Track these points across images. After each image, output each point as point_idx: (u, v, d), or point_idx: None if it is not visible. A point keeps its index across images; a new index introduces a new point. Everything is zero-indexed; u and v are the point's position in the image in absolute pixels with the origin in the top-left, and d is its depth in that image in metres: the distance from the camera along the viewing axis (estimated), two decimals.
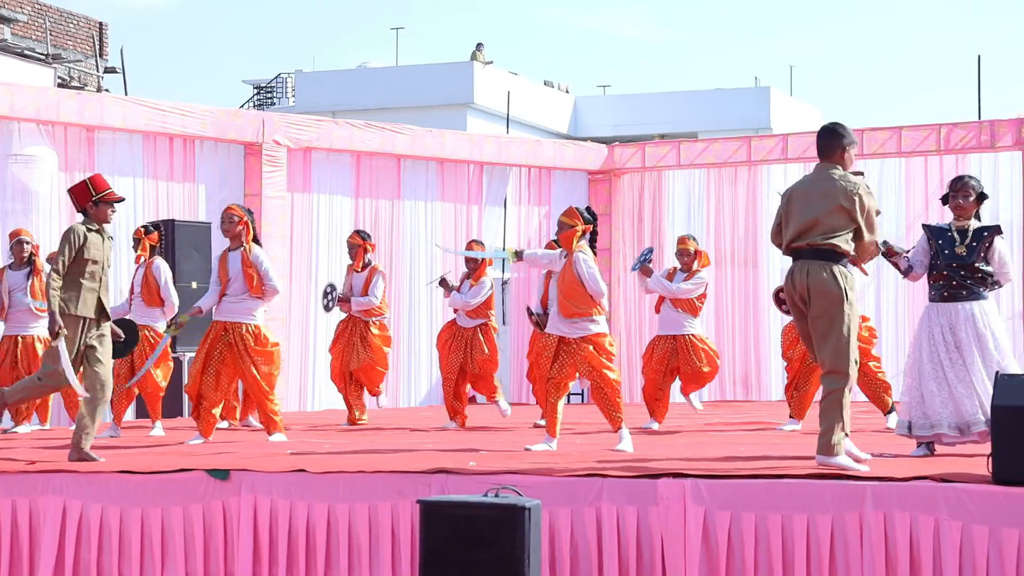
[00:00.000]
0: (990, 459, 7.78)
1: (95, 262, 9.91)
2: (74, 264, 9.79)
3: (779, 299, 11.05)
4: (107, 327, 10.11)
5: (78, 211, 10.16)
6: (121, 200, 10.39)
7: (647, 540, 8.04)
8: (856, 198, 8.69)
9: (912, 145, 17.36)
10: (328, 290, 11.32)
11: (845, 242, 8.71)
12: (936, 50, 78.79)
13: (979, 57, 25.03)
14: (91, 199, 10.00)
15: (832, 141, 8.92)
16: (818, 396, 9.50)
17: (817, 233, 8.71)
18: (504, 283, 19.25)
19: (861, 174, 9.14)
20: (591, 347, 10.67)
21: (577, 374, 10.91)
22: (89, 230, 9.90)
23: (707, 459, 9.25)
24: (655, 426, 13.01)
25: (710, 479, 8.07)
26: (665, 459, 9.23)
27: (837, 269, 8.67)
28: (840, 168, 8.85)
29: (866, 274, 10.58)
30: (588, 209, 11.24)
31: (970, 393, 9.42)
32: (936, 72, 77.00)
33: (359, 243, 13.41)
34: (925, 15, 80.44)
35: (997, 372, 8.75)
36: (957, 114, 26.91)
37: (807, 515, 7.79)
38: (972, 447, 9.42)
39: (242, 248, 11.78)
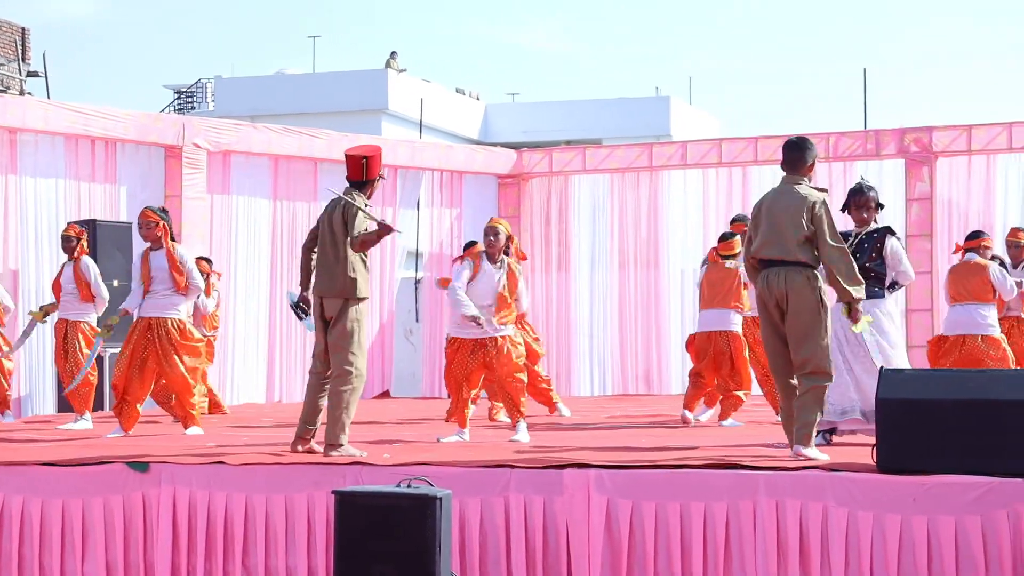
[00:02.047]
0: (875, 449, 7.94)
1: None
2: None
3: None
4: None
5: None
6: None
7: (553, 528, 8.11)
8: (815, 207, 8.80)
9: (816, 152, 17.53)
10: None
11: (813, 252, 8.81)
12: (825, 63, 79.68)
13: (864, 71, 25.40)
14: None
15: (800, 155, 9.03)
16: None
17: (785, 244, 8.78)
18: (417, 283, 19.28)
19: (825, 191, 9.20)
20: (502, 347, 10.78)
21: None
22: None
23: (610, 450, 9.33)
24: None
25: (613, 469, 8.14)
26: (570, 450, 9.30)
27: (811, 275, 8.78)
28: (806, 182, 8.97)
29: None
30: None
31: (875, 383, 9.57)
32: (825, 84, 77.87)
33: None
34: (815, 31, 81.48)
35: (881, 367, 8.88)
36: (844, 124, 27.41)
37: (704, 503, 7.88)
38: (863, 437, 9.58)
39: (164, 248, 11.72)
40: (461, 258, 11.62)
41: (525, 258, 11.13)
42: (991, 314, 12.23)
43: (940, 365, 12.25)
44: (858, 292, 8.94)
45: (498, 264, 10.98)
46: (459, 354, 10.90)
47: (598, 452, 9.11)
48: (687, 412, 12.68)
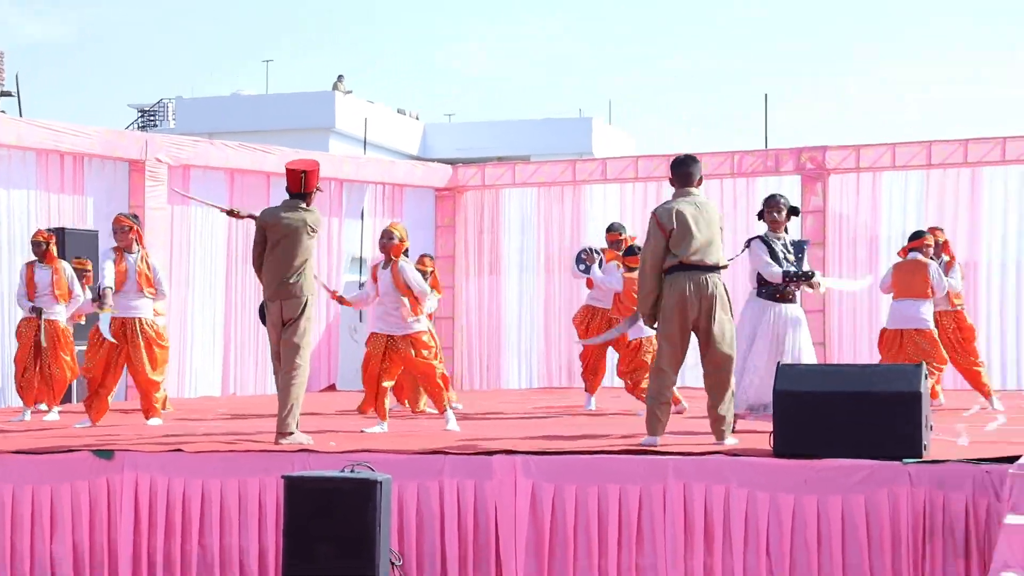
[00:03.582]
0: (771, 436, 8.02)
1: None
2: None
3: None
4: None
5: None
6: None
7: (483, 509, 8.14)
8: (720, 223, 8.91)
9: (709, 169, 17.54)
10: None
11: (719, 262, 8.88)
12: (731, 89, 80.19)
13: (766, 96, 25.61)
14: None
15: (694, 170, 8.99)
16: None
17: (712, 251, 8.80)
18: (361, 285, 19.20)
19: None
20: (413, 343, 10.72)
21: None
22: None
23: (535, 438, 9.33)
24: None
25: (537, 455, 8.18)
26: (499, 438, 9.32)
27: (718, 279, 8.84)
28: (699, 186, 9.00)
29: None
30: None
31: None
32: (730, 107, 78.50)
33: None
34: (722, 60, 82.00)
35: (779, 362, 8.96)
36: (747, 143, 27.52)
37: (619, 486, 7.93)
38: (761, 424, 9.57)
39: (136, 252, 11.62)
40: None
41: (427, 266, 11.09)
42: (927, 310, 12.29)
43: (883, 354, 12.42)
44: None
45: (386, 265, 10.82)
46: (376, 348, 10.81)
47: (524, 440, 9.12)
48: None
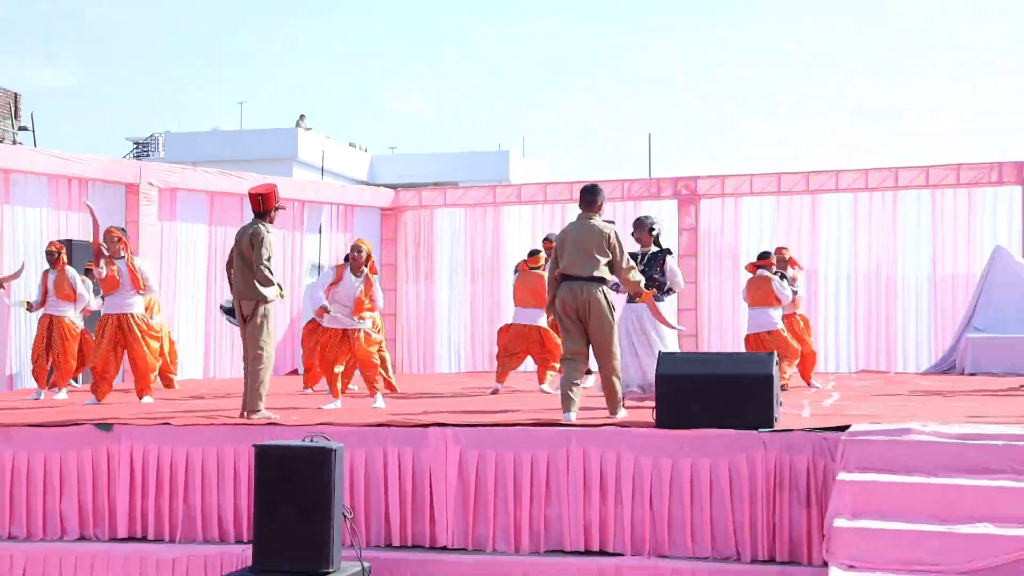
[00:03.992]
0: (654, 411, 8.07)
1: None
2: None
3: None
4: None
5: None
6: None
7: (420, 472, 8.12)
8: (610, 238, 8.85)
9: (604, 194, 17.76)
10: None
11: (606, 271, 8.84)
12: (622, 127, 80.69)
13: (649, 135, 26.05)
14: None
15: (594, 197, 9.00)
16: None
17: (588, 265, 8.77)
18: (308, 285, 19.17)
19: (612, 222, 9.26)
20: (361, 337, 10.77)
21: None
22: None
23: (463, 413, 9.33)
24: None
25: (465, 427, 8.18)
26: (433, 413, 9.29)
27: (604, 290, 8.81)
28: (598, 217, 8.97)
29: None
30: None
31: (652, 364, 9.67)
32: (621, 143, 78.92)
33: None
34: (614, 102, 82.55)
35: (660, 351, 9.04)
36: (635, 173, 27.71)
37: (531, 452, 7.95)
38: (646, 400, 9.68)
39: (125, 258, 11.55)
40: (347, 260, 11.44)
41: (376, 272, 11.06)
42: (776, 314, 12.32)
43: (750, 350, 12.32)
44: (641, 284, 9.16)
45: (359, 275, 10.81)
46: (331, 341, 10.80)
47: (454, 415, 9.11)
48: (498, 384, 12.75)
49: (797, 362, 12.53)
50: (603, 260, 8.80)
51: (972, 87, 75.02)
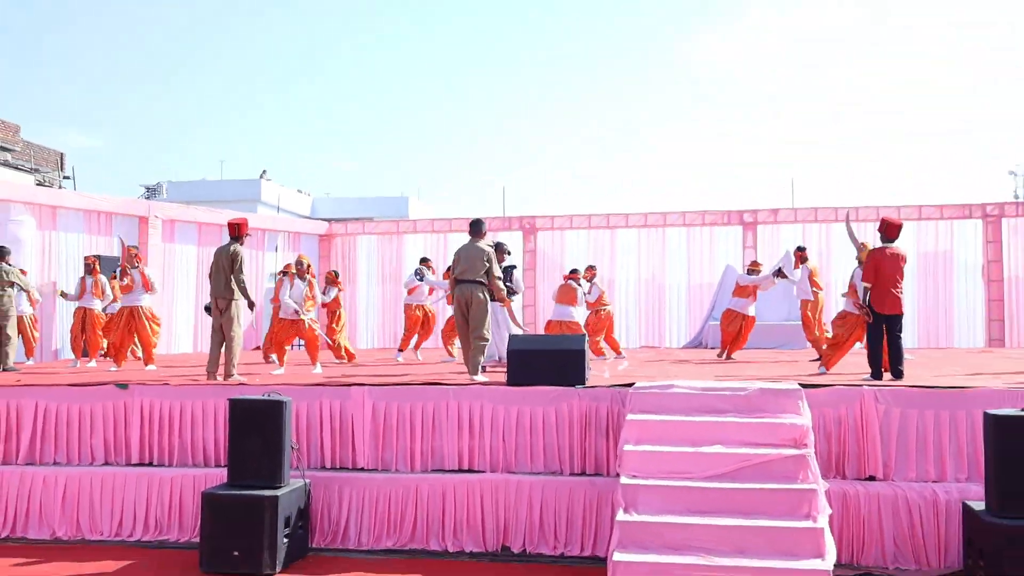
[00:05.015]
0: (507, 374, 8.08)
1: None
2: None
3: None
4: None
5: None
6: None
7: (345, 417, 8.00)
8: (488, 256, 8.84)
9: (486, 225, 17.77)
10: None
11: (484, 278, 8.81)
12: (481, 176, 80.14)
13: (504, 189, 26.06)
14: None
15: (479, 227, 9.00)
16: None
17: (472, 272, 8.76)
18: (275, 276, 18.71)
19: (492, 245, 9.15)
20: (307, 323, 10.68)
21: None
22: None
23: (377, 376, 9.21)
24: None
25: (377, 387, 8.08)
26: (355, 376, 9.16)
27: (483, 291, 8.79)
28: (482, 240, 8.95)
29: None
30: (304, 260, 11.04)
31: (505, 343, 9.68)
32: (482, 189, 78.28)
33: None
34: (479, 159, 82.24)
35: (510, 335, 9.07)
36: (495, 212, 27.81)
37: (422, 403, 7.87)
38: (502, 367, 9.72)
39: (139, 268, 11.40)
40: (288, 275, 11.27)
41: (315, 276, 11.09)
42: (575, 312, 12.37)
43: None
44: (504, 292, 9.32)
45: (305, 280, 10.84)
46: (283, 326, 10.79)
47: (370, 377, 9.00)
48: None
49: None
50: (483, 270, 8.81)
51: (720, 148, 76.34)
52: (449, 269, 9.19)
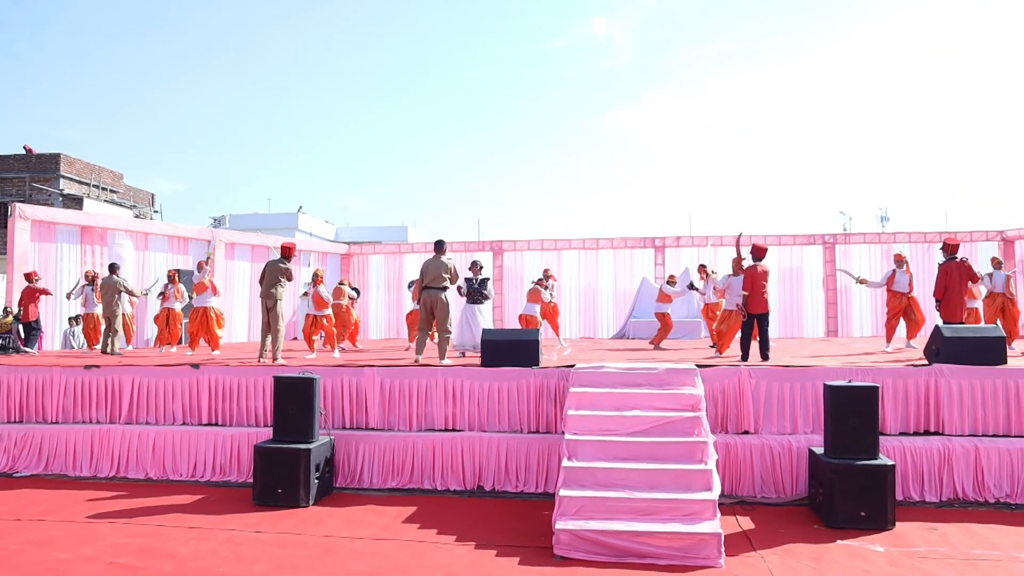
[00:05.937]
0: (481, 357, 8.04)
1: None
2: None
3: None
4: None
5: None
6: None
7: (360, 390, 7.86)
8: (451, 268, 8.68)
9: (452, 249, 17.58)
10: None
11: (449, 285, 8.66)
12: (458, 209, 78.94)
13: (479, 220, 25.82)
14: None
15: (442, 246, 8.81)
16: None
17: (438, 281, 8.59)
18: (305, 295, 18.41)
19: (450, 259, 8.89)
20: (326, 319, 10.51)
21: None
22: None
23: (383, 359, 9.07)
24: None
25: (383, 367, 7.96)
26: (367, 360, 9.03)
27: (446, 295, 8.61)
28: (443, 256, 8.75)
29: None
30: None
31: (479, 334, 9.57)
32: (459, 219, 76.45)
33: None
34: (463, 195, 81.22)
35: (483, 328, 8.97)
36: (470, 236, 27.44)
37: (418, 379, 7.76)
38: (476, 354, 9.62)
39: (207, 275, 11.34)
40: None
41: (323, 283, 10.91)
42: (536, 308, 12.05)
43: (522, 325, 11.91)
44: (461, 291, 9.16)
45: (315, 286, 10.73)
46: (310, 320, 10.56)
47: (379, 360, 8.87)
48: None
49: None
50: (447, 279, 8.68)
51: (637, 189, 76.44)
52: (419, 279, 9.00)
